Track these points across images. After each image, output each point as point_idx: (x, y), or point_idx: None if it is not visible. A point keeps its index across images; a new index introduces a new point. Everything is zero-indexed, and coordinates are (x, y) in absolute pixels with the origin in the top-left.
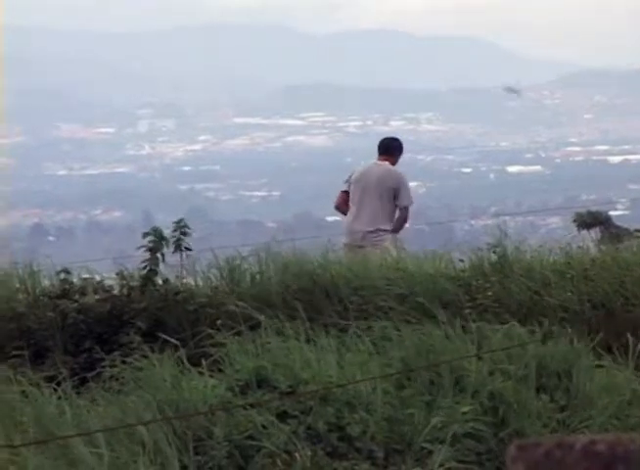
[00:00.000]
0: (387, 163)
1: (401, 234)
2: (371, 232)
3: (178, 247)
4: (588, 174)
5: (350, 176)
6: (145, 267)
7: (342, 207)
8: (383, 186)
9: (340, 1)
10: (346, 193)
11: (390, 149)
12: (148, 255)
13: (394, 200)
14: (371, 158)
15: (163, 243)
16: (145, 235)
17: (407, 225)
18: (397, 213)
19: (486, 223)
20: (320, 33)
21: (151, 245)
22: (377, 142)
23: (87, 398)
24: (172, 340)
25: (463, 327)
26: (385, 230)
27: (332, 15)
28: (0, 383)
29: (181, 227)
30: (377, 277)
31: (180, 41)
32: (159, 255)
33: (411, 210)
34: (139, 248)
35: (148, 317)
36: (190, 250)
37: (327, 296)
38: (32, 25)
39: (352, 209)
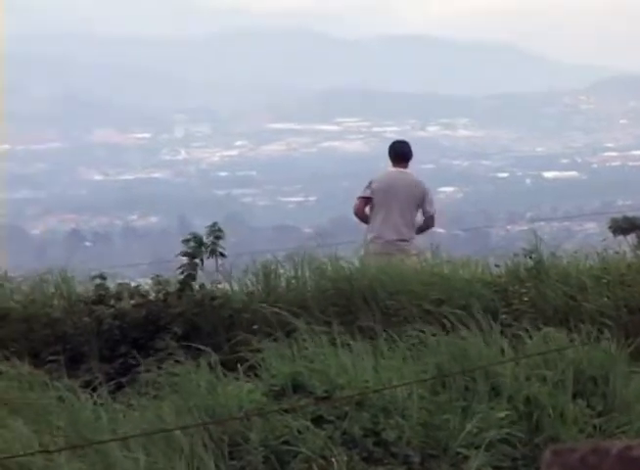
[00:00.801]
0: (409, 170)
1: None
2: (400, 240)
3: (213, 251)
4: (624, 180)
5: (371, 183)
6: (183, 272)
7: (362, 214)
8: (410, 195)
9: (374, 6)
10: (365, 199)
11: (407, 155)
12: (185, 260)
13: (418, 208)
14: (412, 163)
15: (202, 249)
16: (185, 241)
17: (442, 230)
18: (421, 220)
19: (522, 229)
20: (355, 39)
21: (189, 250)
22: (414, 147)
23: (123, 403)
24: (205, 348)
25: (500, 332)
26: (411, 237)
27: (367, 20)
28: (36, 388)
29: (215, 231)
30: (413, 282)
31: (215, 47)
32: (197, 260)
33: (448, 215)
34: (178, 255)
35: (184, 323)
36: (224, 256)
37: (364, 300)
38: (70, 32)
39: (379, 217)
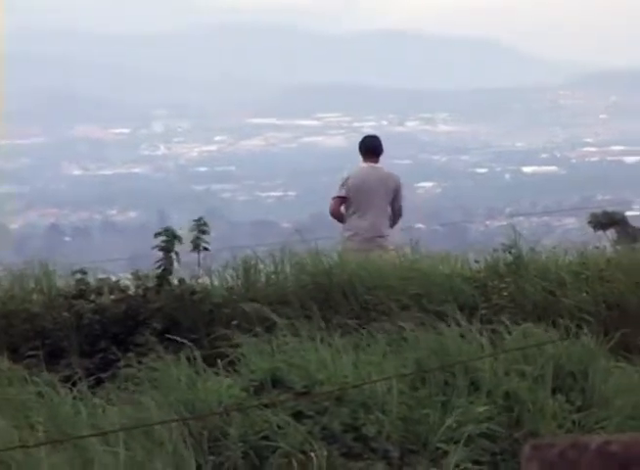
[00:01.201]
0: (380, 165)
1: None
2: (378, 236)
3: (197, 246)
4: (604, 175)
5: (345, 181)
6: (159, 267)
7: (337, 213)
8: (386, 190)
9: (357, 2)
10: (341, 199)
11: (378, 149)
12: (162, 254)
13: (393, 202)
14: (386, 158)
15: (176, 242)
16: (157, 235)
17: (421, 226)
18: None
19: (501, 224)
20: (336, 34)
21: (164, 244)
22: (393, 142)
23: (103, 398)
24: (186, 341)
25: (479, 327)
26: (388, 233)
27: (349, 15)
28: (15, 383)
29: (200, 226)
30: (393, 277)
31: (196, 42)
32: (172, 254)
33: (427, 210)
34: (153, 248)
35: (163, 317)
36: (208, 250)
37: (343, 295)
38: (52, 27)
39: (356, 214)
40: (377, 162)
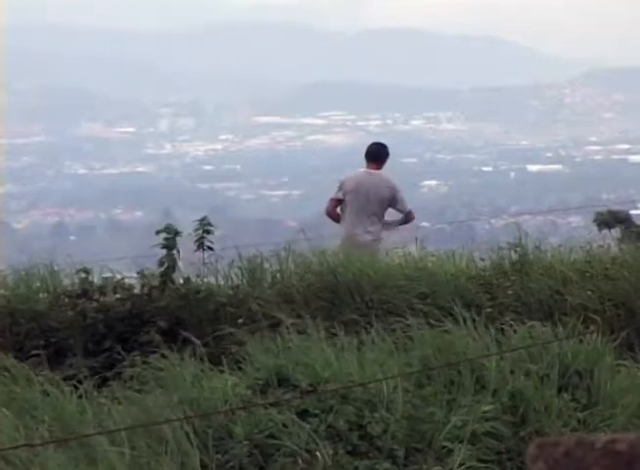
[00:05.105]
0: (379, 171)
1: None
2: (370, 240)
3: (201, 245)
4: (608, 173)
5: (342, 184)
6: (162, 264)
7: (334, 214)
8: (380, 196)
9: (364, 0)
10: (337, 201)
11: (380, 155)
12: (165, 252)
13: (387, 208)
14: (391, 157)
15: (177, 240)
16: (158, 232)
17: (426, 224)
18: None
19: (507, 222)
20: (342, 32)
21: (165, 242)
22: (398, 141)
23: (108, 396)
24: (193, 338)
25: (484, 326)
26: (380, 238)
27: (355, 14)
28: (21, 381)
29: (204, 225)
30: (398, 276)
31: (201, 40)
32: (174, 251)
33: (432, 209)
34: (154, 246)
35: (168, 316)
36: (212, 249)
37: (349, 294)
38: (56, 24)
39: (350, 218)
40: (376, 168)
